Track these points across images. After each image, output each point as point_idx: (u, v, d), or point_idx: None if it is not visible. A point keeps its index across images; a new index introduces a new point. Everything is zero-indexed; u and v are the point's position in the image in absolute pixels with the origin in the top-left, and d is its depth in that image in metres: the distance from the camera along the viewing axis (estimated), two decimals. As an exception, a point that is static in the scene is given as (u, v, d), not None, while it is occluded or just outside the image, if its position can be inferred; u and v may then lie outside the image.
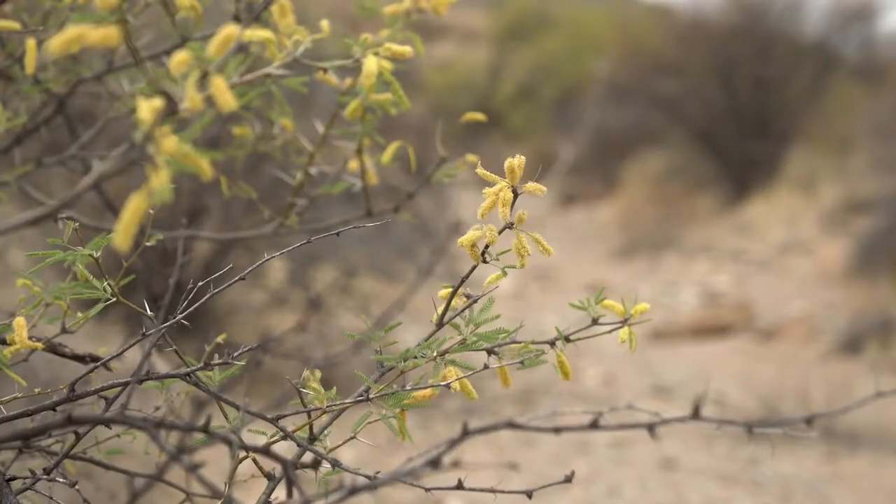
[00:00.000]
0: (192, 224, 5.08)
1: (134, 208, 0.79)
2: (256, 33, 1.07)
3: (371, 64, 1.45)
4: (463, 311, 1.37)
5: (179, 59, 0.83)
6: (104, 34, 0.77)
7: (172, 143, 0.78)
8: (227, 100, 0.82)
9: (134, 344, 1.40)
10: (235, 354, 1.35)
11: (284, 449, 1.26)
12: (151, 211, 1.38)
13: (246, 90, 1.48)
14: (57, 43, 0.78)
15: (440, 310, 1.39)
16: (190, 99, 0.80)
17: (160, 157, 0.77)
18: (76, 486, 1.45)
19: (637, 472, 6.03)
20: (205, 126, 0.83)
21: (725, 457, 6.27)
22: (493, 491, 1.31)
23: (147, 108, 0.78)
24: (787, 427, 1.13)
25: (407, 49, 1.52)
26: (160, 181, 0.77)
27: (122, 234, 0.79)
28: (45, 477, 1.40)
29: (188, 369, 1.36)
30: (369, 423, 1.36)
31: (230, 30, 0.89)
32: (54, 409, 1.38)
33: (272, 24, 1.50)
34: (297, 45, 1.35)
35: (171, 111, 0.81)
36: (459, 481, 1.29)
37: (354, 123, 1.80)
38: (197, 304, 1.39)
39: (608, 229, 13.54)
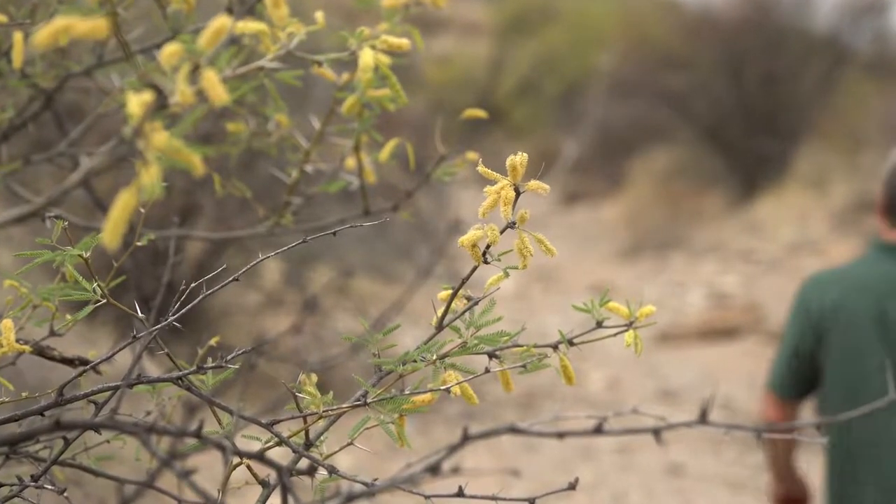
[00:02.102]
0: (185, 223, 5.08)
1: (123, 205, 0.79)
2: (249, 25, 1.07)
3: (367, 57, 1.45)
4: (463, 313, 1.37)
5: (170, 52, 0.83)
6: (92, 26, 0.77)
7: (163, 137, 0.77)
8: (219, 93, 0.82)
9: (124, 347, 1.40)
10: (229, 357, 1.35)
11: (279, 455, 1.26)
12: (142, 210, 1.38)
13: (239, 84, 1.47)
14: (43, 35, 0.77)
15: (440, 312, 1.38)
16: (181, 93, 0.80)
17: (150, 153, 0.77)
18: (65, 493, 1.45)
19: (643, 478, 6.03)
20: (197, 121, 0.83)
21: (734, 463, 6.27)
22: (494, 498, 1.30)
23: (136, 102, 0.77)
24: (797, 432, 1.13)
25: (404, 41, 1.52)
26: (150, 177, 0.77)
27: (110, 231, 0.78)
28: (33, 484, 1.40)
29: (180, 373, 1.36)
30: (367, 428, 1.35)
31: (222, 21, 0.89)
32: (42, 414, 1.38)
33: (266, 18, 1.50)
34: (291, 37, 1.35)
35: (161, 105, 0.81)
36: (460, 488, 1.29)
37: (352, 120, 1.79)
38: (189, 306, 1.39)
39: (613, 229, 13.54)
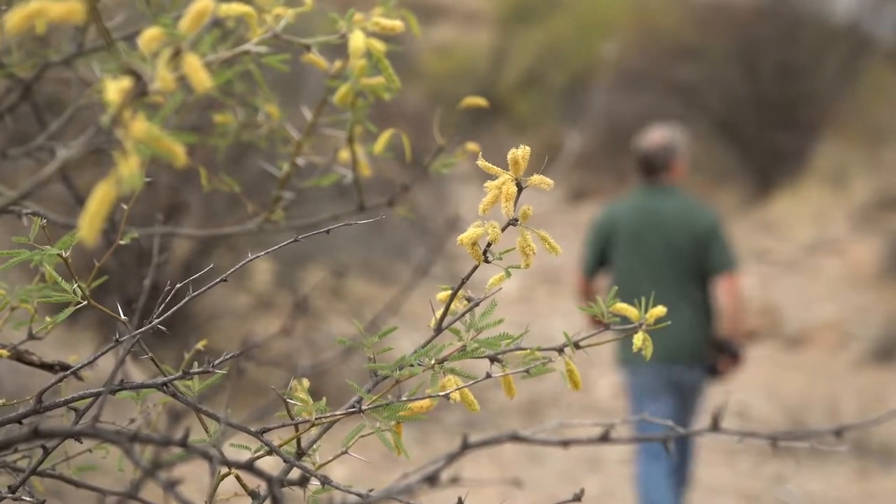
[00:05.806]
0: (171, 220, 5.08)
1: (100, 198, 0.78)
2: (233, 7, 1.07)
3: (357, 39, 1.45)
4: (463, 314, 1.37)
5: (149, 36, 0.82)
6: (67, 8, 0.76)
7: (142, 126, 0.77)
8: (202, 79, 0.82)
9: (107, 351, 1.40)
10: (217, 362, 1.35)
11: (270, 465, 1.26)
12: (125, 206, 1.38)
13: (223, 70, 1.47)
14: (16, 18, 0.77)
15: (438, 314, 1.38)
16: (161, 78, 0.79)
17: (129, 142, 0.77)
18: (43, 505, 1.45)
19: (653, 489, 6.01)
20: (180, 109, 0.83)
21: (748, 473, 6.27)
22: (496, 510, 1.30)
23: (114, 89, 0.77)
24: (815, 441, 1.13)
25: (397, 23, 1.52)
26: (129, 168, 0.77)
27: (88, 226, 0.78)
28: (10, 495, 1.40)
29: (165, 378, 1.36)
30: (362, 436, 1.35)
31: (204, 3, 0.89)
32: (20, 422, 1.38)
33: (256, 6, 1.50)
34: (278, 19, 1.35)
35: (140, 92, 0.81)
36: (459, 499, 1.29)
37: (345, 110, 1.79)
38: (175, 308, 1.39)
39: (621, 227, 13.52)
